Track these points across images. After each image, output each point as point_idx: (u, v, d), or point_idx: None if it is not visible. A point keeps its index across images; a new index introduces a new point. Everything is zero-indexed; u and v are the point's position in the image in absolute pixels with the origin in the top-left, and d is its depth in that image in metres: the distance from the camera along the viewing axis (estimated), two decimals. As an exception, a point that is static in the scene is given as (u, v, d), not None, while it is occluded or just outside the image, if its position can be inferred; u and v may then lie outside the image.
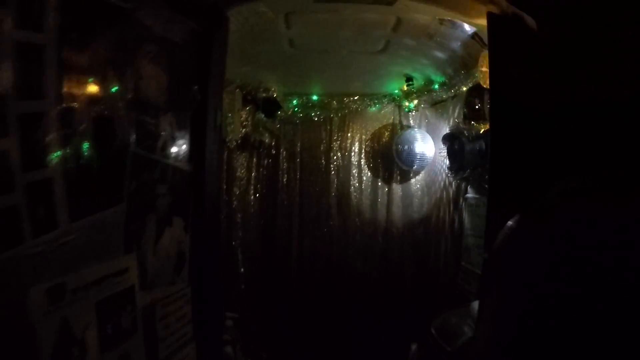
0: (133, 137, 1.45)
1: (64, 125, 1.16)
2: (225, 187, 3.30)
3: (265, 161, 3.59)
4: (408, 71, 3.24)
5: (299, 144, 3.64)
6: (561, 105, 1.65)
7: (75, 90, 1.23)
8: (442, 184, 3.12)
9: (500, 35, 1.73)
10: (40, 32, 1.02)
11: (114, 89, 1.38)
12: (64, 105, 1.17)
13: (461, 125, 2.51)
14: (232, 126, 3.32)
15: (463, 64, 2.65)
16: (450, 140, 2.64)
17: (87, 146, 1.26)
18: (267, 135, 3.52)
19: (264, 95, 3.48)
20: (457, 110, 2.79)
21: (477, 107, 2.35)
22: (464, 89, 2.69)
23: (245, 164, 3.52)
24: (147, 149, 1.52)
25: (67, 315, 1.15)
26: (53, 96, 1.12)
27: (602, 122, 1.56)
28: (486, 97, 2.32)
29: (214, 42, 1.71)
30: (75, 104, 1.22)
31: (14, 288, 1.02)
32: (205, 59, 1.70)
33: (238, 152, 3.45)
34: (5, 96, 0.97)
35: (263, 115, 3.52)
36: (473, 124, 2.37)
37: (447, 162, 2.77)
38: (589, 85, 1.60)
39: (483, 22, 1.81)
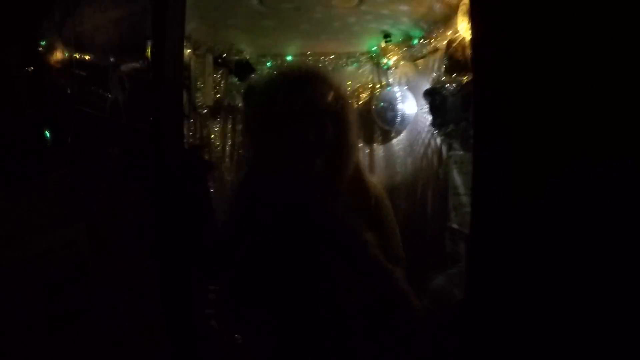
0: (76, 96, 1.30)
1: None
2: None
3: (240, 126, 3.44)
4: (386, 28, 3.09)
5: (275, 108, 3.49)
6: (553, 55, 1.53)
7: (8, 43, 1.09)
8: (426, 142, 3.01)
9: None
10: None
11: (49, 41, 1.23)
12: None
13: (442, 78, 2.38)
14: (204, 92, 3.17)
15: (442, 15, 2.53)
16: (431, 95, 2.52)
17: (19, 105, 1.12)
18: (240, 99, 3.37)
19: (236, 58, 3.33)
20: (436, 65, 2.67)
21: (458, 59, 2.22)
22: (444, 43, 2.55)
23: (219, 131, 3.37)
24: (94, 107, 1.38)
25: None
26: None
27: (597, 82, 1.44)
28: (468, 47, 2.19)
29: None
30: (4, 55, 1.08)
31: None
32: (161, 11, 1.53)
33: (211, 119, 3.30)
34: None
35: (236, 79, 3.38)
36: (455, 76, 2.24)
37: (430, 118, 2.64)
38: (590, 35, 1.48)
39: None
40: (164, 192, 1.57)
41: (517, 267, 1.51)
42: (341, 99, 1.73)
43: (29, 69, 1.15)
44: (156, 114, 1.53)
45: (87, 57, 1.34)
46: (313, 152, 1.65)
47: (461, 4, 2.17)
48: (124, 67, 1.46)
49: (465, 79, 2.22)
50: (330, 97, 1.68)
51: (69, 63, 1.28)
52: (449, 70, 2.32)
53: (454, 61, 2.23)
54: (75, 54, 1.30)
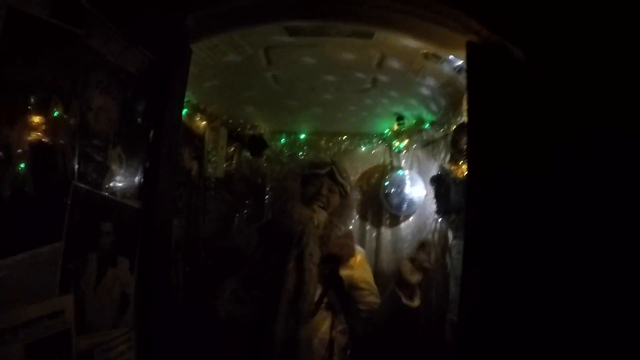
0: (76, 171, 1.33)
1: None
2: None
3: (250, 201, 3.45)
4: (398, 110, 3.13)
5: (286, 184, 3.49)
6: (549, 141, 1.52)
7: (11, 115, 1.12)
8: (432, 229, 2.95)
9: (480, 66, 1.62)
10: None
11: (56, 118, 1.27)
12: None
13: (446, 167, 2.37)
14: (215, 164, 3.21)
15: (452, 101, 2.54)
16: (437, 182, 2.51)
17: (23, 178, 1.15)
18: (252, 174, 3.40)
19: (250, 132, 3.38)
20: (444, 151, 2.66)
21: (464, 147, 2.21)
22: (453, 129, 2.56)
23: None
24: (92, 184, 1.40)
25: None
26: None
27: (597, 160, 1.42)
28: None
29: (172, 74, 1.60)
30: (10, 130, 1.11)
31: None
32: (162, 92, 1.59)
33: (221, 191, 3.32)
34: None
35: (249, 154, 3.42)
36: (459, 165, 2.23)
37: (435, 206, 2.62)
38: (582, 120, 1.48)
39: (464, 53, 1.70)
40: (150, 267, 1.58)
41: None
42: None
43: (32, 145, 1.18)
44: (149, 192, 1.55)
45: (89, 135, 1.38)
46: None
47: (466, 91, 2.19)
48: (123, 146, 1.50)
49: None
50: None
51: (72, 140, 1.31)
52: (453, 158, 2.31)
53: (458, 149, 2.22)
54: (78, 131, 1.34)
